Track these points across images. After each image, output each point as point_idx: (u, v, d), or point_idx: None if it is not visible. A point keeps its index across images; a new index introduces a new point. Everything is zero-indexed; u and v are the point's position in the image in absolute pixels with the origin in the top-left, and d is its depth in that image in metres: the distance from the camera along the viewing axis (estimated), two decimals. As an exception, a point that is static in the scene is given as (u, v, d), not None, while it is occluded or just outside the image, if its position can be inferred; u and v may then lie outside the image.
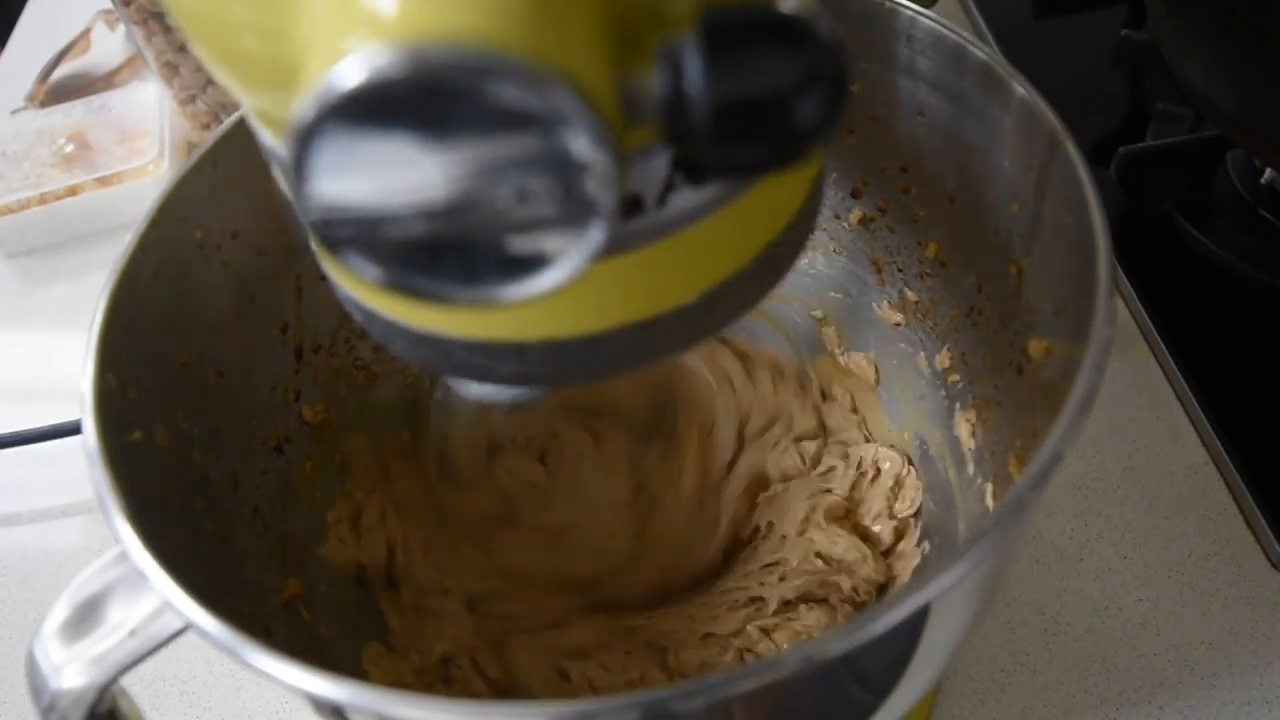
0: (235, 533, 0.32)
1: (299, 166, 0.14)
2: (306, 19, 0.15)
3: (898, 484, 0.40)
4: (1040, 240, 0.31)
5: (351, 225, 0.15)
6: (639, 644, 0.37)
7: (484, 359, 0.20)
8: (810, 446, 0.42)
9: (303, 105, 0.14)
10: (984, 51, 0.31)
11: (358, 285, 0.20)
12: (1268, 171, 0.50)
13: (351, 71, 0.14)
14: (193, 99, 0.60)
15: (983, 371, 0.36)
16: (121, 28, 0.72)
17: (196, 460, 0.31)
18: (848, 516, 0.40)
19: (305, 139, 0.14)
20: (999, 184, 0.33)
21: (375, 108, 0.14)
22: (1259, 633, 0.38)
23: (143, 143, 0.63)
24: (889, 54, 0.34)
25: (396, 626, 0.37)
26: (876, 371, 0.43)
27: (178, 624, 0.24)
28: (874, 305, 0.42)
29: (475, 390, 0.31)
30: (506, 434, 0.40)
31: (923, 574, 0.21)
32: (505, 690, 0.36)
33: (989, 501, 0.35)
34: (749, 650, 0.36)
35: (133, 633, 0.25)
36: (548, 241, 0.15)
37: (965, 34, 0.32)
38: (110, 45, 0.73)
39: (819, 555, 0.38)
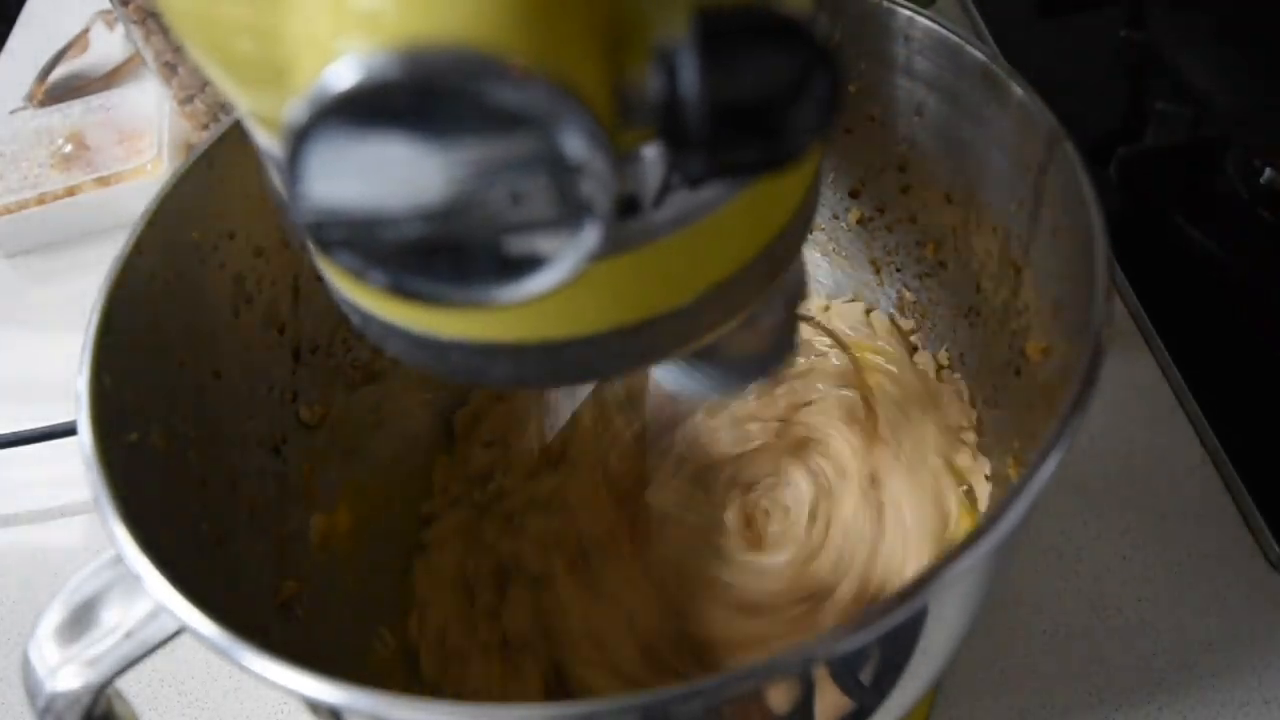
0: (232, 534, 0.32)
1: (292, 168, 0.14)
2: (300, 20, 0.15)
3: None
4: (1039, 240, 0.30)
5: (345, 227, 0.15)
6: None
7: (479, 360, 0.20)
8: None
9: (296, 107, 0.14)
10: (982, 51, 0.31)
11: (353, 286, 0.20)
12: (1267, 171, 0.50)
13: (345, 73, 0.14)
14: (191, 99, 0.60)
15: (981, 372, 0.36)
16: (120, 28, 0.72)
17: (193, 461, 0.31)
18: None
19: (299, 140, 0.14)
20: (997, 184, 0.33)
21: (369, 109, 0.14)
22: (1258, 633, 0.38)
23: (141, 143, 0.63)
24: (887, 54, 0.34)
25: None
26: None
27: (173, 626, 0.24)
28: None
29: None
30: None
31: (922, 574, 0.21)
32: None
33: (987, 502, 0.35)
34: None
35: (128, 635, 0.25)
36: (543, 243, 0.15)
37: (964, 34, 0.32)
38: (109, 45, 0.73)
39: None
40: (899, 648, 0.25)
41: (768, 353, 0.27)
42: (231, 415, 0.34)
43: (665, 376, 0.27)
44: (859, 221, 0.41)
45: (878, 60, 0.35)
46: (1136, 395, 0.46)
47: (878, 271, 0.41)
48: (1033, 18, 0.64)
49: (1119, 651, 0.38)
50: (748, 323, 0.25)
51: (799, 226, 0.21)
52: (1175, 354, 0.46)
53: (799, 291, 0.27)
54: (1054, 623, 0.39)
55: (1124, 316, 0.49)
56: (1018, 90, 0.30)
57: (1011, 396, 0.33)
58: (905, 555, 0.36)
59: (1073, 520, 0.42)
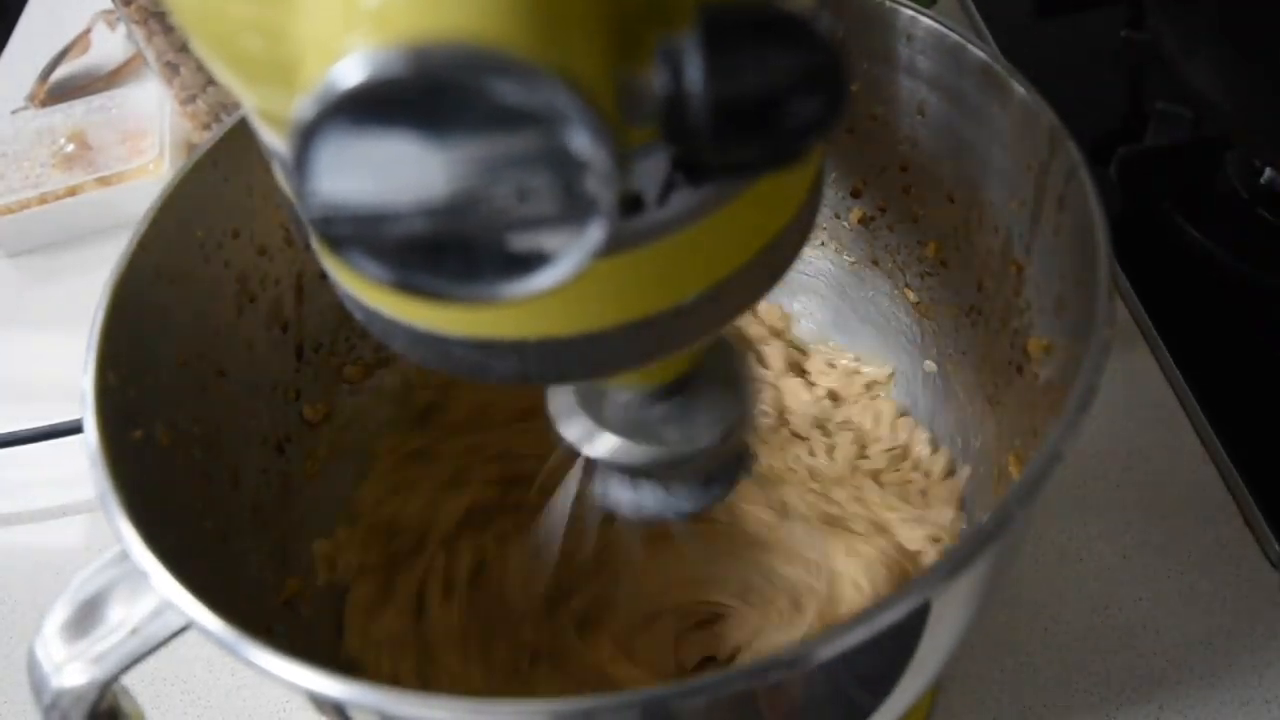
0: (235, 531, 0.32)
1: (300, 165, 0.14)
2: (307, 17, 0.15)
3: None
4: (1040, 239, 0.31)
5: (352, 223, 0.15)
6: None
7: (483, 357, 0.20)
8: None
9: (303, 104, 0.14)
10: (984, 51, 0.31)
11: (358, 283, 0.20)
12: (1267, 171, 0.50)
13: (352, 70, 0.14)
14: (193, 99, 0.60)
15: (982, 370, 0.36)
16: (122, 28, 0.72)
17: (197, 459, 0.31)
18: None
19: (306, 137, 0.14)
20: (999, 183, 0.33)
21: (376, 106, 0.14)
22: (1259, 632, 0.38)
23: (143, 142, 0.63)
24: (889, 53, 0.34)
25: None
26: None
27: (179, 622, 0.24)
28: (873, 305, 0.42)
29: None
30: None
31: (923, 574, 0.21)
32: None
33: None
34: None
35: (134, 631, 0.25)
36: (548, 239, 0.15)
37: (965, 33, 0.32)
38: (110, 45, 0.73)
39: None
40: (899, 647, 0.25)
41: (722, 469, 0.27)
42: (235, 413, 0.34)
43: (620, 500, 0.27)
44: (861, 221, 0.41)
45: (880, 60, 0.35)
46: (1136, 395, 0.46)
47: (880, 270, 0.41)
48: (1033, 18, 0.64)
49: (1119, 651, 0.38)
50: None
51: (802, 225, 0.21)
52: (1175, 354, 0.46)
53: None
54: (1054, 622, 0.39)
55: (1124, 315, 0.49)
56: (1019, 90, 0.30)
57: (1013, 395, 0.33)
58: None
59: (1073, 520, 0.42)
